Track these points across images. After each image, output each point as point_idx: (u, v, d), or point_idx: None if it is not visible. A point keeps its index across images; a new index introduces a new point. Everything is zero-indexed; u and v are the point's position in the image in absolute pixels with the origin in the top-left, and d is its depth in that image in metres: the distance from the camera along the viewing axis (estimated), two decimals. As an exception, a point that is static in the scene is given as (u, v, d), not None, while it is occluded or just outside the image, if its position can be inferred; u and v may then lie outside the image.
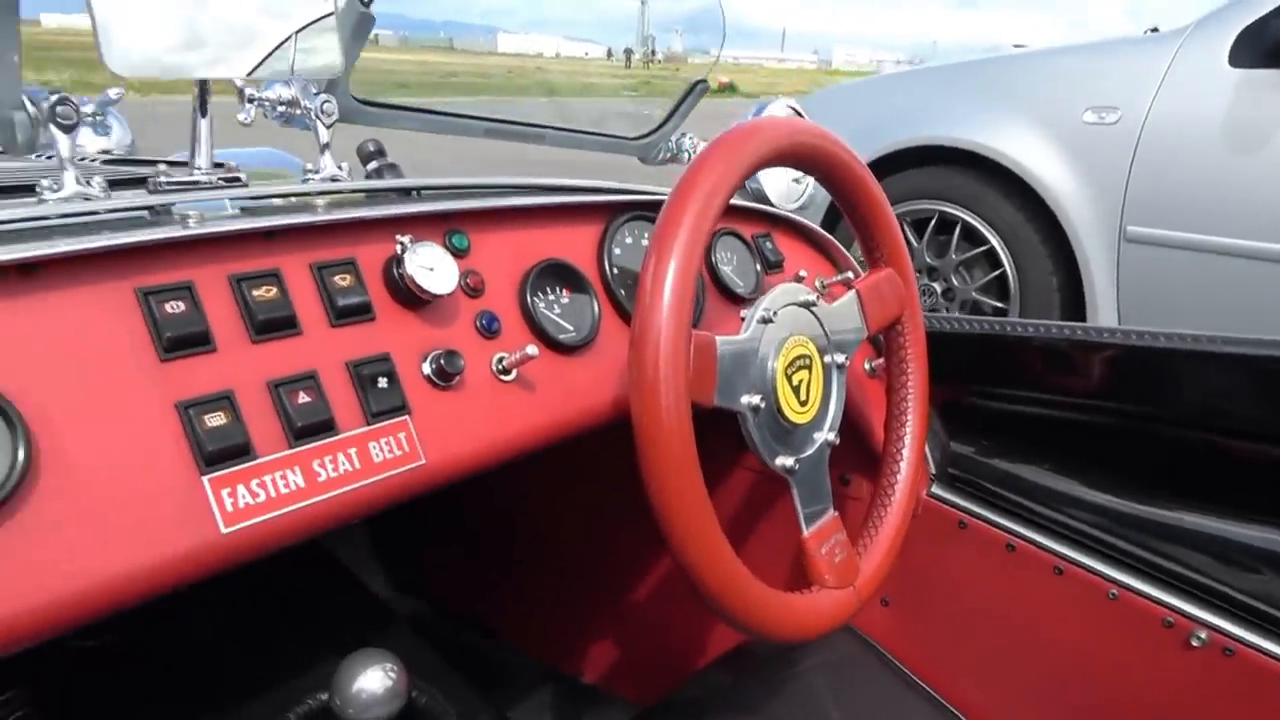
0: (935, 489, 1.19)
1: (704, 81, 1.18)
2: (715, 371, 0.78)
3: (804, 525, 0.87)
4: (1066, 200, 2.85)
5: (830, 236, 1.20)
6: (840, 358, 0.93)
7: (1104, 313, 2.84)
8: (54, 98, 0.66)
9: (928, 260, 3.22)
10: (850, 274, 1.14)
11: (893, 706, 1.13)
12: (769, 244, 1.15)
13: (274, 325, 0.69)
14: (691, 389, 0.73)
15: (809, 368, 0.89)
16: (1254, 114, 2.54)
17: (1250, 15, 2.58)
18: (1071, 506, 1.08)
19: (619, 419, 0.90)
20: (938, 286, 3.21)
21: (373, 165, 0.93)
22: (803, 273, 1.03)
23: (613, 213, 0.96)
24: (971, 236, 3.10)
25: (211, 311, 0.66)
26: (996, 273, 3.07)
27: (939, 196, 3.16)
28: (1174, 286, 2.71)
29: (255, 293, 0.68)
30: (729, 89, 23.93)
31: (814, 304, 0.90)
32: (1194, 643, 0.97)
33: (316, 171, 0.82)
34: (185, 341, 0.64)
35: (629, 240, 0.98)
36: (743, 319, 0.85)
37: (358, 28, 0.84)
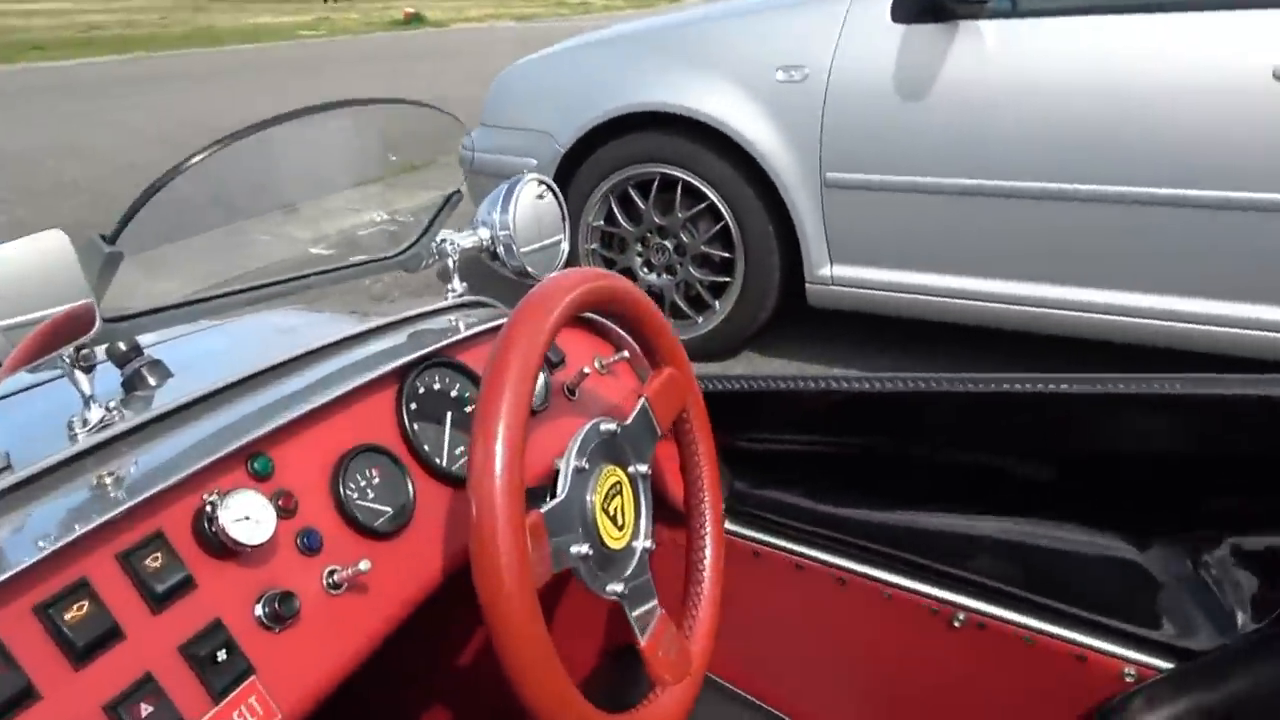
0: (728, 524, 1.31)
1: (458, 193, 1.17)
2: (548, 546, 0.81)
3: (640, 636, 0.94)
4: (771, 154, 3.07)
5: (597, 317, 1.24)
6: (643, 468, 0.99)
7: (816, 252, 3.12)
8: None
9: (655, 220, 3.36)
10: (626, 353, 1.21)
11: (703, 706, 1.27)
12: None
13: (96, 644, 0.64)
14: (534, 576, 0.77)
15: (620, 492, 0.95)
16: (916, 64, 2.85)
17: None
18: (845, 525, 1.24)
19: (451, 575, 0.92)
20: (669, 244, 3.37)
21: (131, 368, 0.86)
22: (597, 363, 1.08)
23: (402, 372, 0.95)
24: (693, 193, 3.26)
25: (24, 658, 0.60)
26: (720, 225, 3.27)
27: (658, 159, 3.29)
28: (873, 223, 3.03)
29: (66, 615, 0.63)
30: (416, 19, 22.54)
31: (617, 433, 0.95)
32: (955, 623, 1.17)
33: (85, 423, 0.76)
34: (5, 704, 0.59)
35: (422, 391, 0.97)
36: (557, 471, 0.88)
37: (105, 266, 0.76)
